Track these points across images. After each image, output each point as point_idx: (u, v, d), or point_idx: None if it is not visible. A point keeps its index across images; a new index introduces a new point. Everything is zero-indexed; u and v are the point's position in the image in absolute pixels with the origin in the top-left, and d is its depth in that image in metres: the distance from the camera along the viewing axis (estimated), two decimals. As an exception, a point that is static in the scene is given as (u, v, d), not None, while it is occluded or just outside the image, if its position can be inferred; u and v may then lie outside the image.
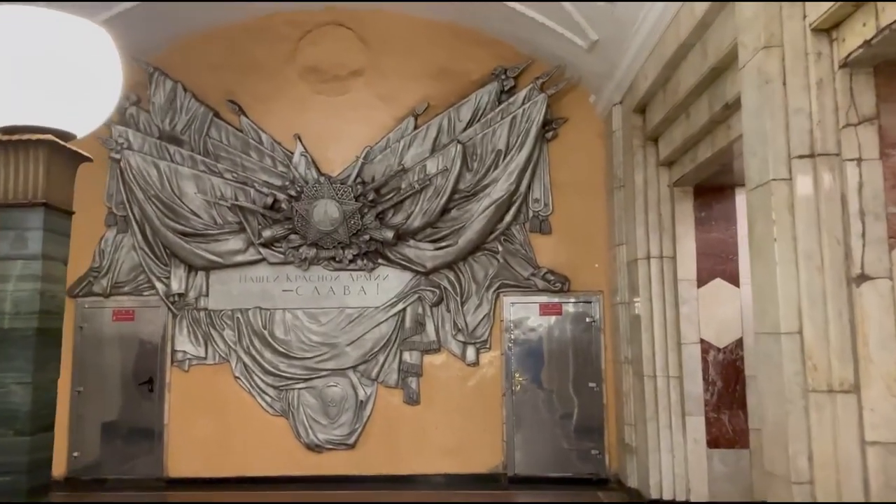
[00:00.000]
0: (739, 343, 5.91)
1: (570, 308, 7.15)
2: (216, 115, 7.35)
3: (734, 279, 5.97)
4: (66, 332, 7.28)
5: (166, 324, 7.22)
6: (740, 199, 6.01)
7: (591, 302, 7.14)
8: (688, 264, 5.96)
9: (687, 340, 5.89)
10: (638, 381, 6.16)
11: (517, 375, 7.08)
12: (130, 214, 7.25)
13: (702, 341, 5.90)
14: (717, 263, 5.98)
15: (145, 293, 7.27)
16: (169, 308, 7.22)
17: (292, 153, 7.29)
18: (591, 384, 7.01)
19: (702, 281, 5.96)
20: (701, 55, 4.65)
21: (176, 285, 7.19)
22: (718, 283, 5.96)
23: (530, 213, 7.25)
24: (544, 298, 7.15)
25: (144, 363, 7.19)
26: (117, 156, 7.09)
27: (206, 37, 7.39)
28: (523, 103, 7.10)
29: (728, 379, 5.88)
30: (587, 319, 7.13)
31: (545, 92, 7.04)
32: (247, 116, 7.38)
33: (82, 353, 7.20)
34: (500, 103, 7.21)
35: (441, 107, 7.31)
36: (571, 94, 7.31)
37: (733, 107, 4.49)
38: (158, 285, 7.21)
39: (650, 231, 6.07)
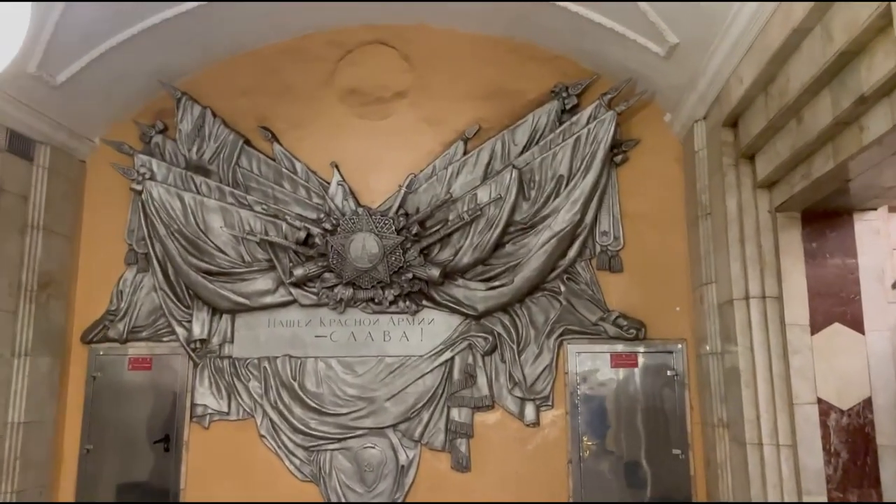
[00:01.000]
0: (868, 404, 4.76)
1: (646, 359, 6.09)
2: (247, 142, 6.70)
3: (857, 324, 4.85)
4: (76, 383, 6.65)
5: (186, 374, 6.45)
6: (860, 226, 4.94)
7: (671, 352, 6.06)
8: (798, 306, 4.87)
9: (800, 400, 4.76)
10: (738, 450, 5.03)
11: (585, 439, 6.00)
12: (151, 251, 6.58)
13: (819, 401, 4.77)
14: (836, 305, 4.88)
15: (165, 339, 6.54)
16: (189, 356, 6.45)
17: (328, 183, 6.55)
18: (676, 451, 5.88)
19: (816, 326, 4.85)
20: (823, 40, 3.70)
21: (198, 330, 6.43)
22: (837, 329, 4.84)
23: (597, 248, 6.28)
24: (616, 347, 6.11)
25: (161, 418, 6.40)
26: (138, 187, 6.46)
27: (237, 59, 6.80)
28: (588, 122, 6.22)
29: (855, 449, 4.71)
30: (668, 373, 6.04)
31: (614, 109, 6.15)
32: (280, 144, 6.71)
33: (94, 406, 6.47)
34: (560, 124, 6.35)
35: (494, 130, 6.50)
36: (643, 112, 6.40)
37: (871, 99, 3.51)
38: (179, 330, 6.47)
39: (748, 266, 5.03)
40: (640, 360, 6.09)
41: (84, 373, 6.51)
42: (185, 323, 6.48)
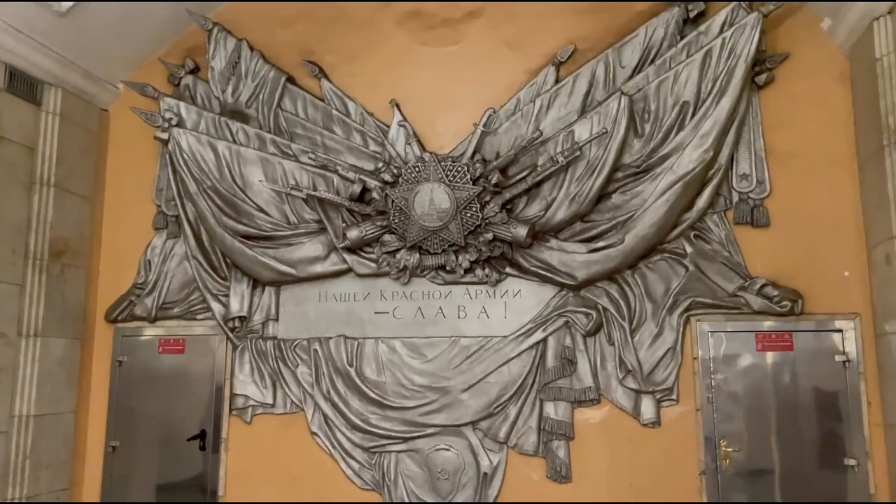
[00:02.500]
0: None
1: (804, 340, 4.62)
2: (290, 80, 5.55)
3: None
4: (99, 369, 5.63)
5: (224, 358, 5.40)
6: None
7: (840, 331, 4.58)
8: None
9: None
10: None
11: (723, 444, 4.61)
12: (182, 213, 5.54)
13: None
14: None
15: (199, 316, 5.50)
16: (228, 336, 5.39)
17: (387, 126, 5.33)
18: (849, 461, 4.42)
19: None
20: None
21: (236, 306, 5.36)
22: None
23: (735, 197, 4.84)
24: (763, 325, 4.67)
25: (195, 410, 5.37)
26: (164, 135, 5.40)
27: (277, -19, 5.64)
28: (722, 30, 4.75)
29: None
30: (836, 358, 4.56)
31: (758, 11, 4.66)
32: (329, 81, 5.53)
33: (120, 396, 5.50)
34: (682, 37, 4.91)
35: (593, 50, 5.12)
36: (790, 20, 4.89)
37: None
38: (215, 306, 5.42)
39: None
40: (797, 341, 4.62)
41: (108, 357, 5.55)
42: (221, 297, 5.42)
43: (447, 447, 4.98)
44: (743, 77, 4.67)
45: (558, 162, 4.81)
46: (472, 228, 4.91)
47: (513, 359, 4.96)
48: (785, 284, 4.66)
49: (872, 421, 4.43)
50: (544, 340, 4.94)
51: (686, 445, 4.67)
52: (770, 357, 4.65)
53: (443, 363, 5.05)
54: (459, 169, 4.92)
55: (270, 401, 5.27)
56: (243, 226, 5.31)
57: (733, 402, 4.65)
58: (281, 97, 5.53)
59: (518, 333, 4.98)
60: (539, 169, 4.88)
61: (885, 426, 4.37)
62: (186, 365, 5.46)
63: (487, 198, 4.93)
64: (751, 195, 4.80)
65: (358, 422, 5.09)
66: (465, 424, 4.96)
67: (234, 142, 5.44)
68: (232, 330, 5.38)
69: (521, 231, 4.84)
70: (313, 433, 5.18)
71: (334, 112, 5.47)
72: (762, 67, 4.83)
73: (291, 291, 5.37)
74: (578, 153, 4.79)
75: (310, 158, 5.31)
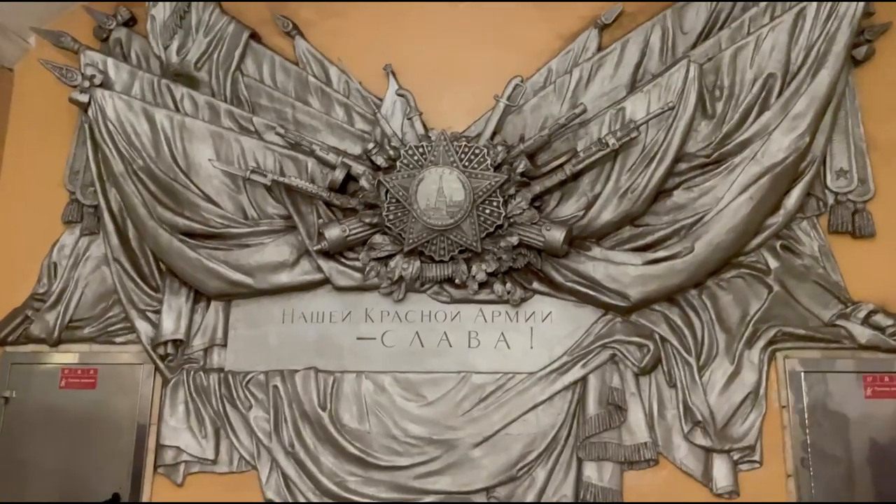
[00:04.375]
0: None
1: (926, 384, 3.56)
2: (254, 37, 4.34)
3: None
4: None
5: (151, 396, 4.03)
6: None
7: (973, 373, 3.53)
8: None
9: None
10: None
11: (825, 522, 3.47)
12: (102, 202, 4.21)
13: None
14: None
15: (119, 339, 4.13)
16: (157, 367, 4.04)
17: (380, 100, 4.14)
18: None
19: None
20: None
21: (171, 326, 4.02)
22: None
23: (829, 199, 3.78)
24: (872, 364, 3.58)
25: (107, 466, 3.98)
26: (83, 97, 4.09)
27: (242, -87, 4.44)
28: (819, -14, 3.75)
29: None
30: (969, 409, 3.50)
31: (866, -35, 3.68)
32: (305, 40, 4.34)
33: (6, 444, 4.07)
34: (761, -3, 3.90)
35: (645, 13, 4.06)
36: (889, -16, 3.93)
37: None
38: (142, 325, 4.07)
39: None
40: (916, 385, 3.55)
41: (-10, 391, 4.13)
42: (150, 314, 4.08)
43: (452, 522, 3.70)
44: (846, 45, 3.66)
45: (609, 146, 3.68)
46: (492, 229, 3.73)
47: (541, 403, 3.73)
48: (895, 311, 3.60)
49: None
50: (584, 380, 3.74)
51: (775, 524, 3.51)
52: (882, 407, 3.55)
53: (448, 408, 3.79)
54: (478, 151, 3.75)
55: (211, 455, 3.91)
56: (185, 219, 4.01)
57: (836, 467, 3.51)
58: (241, 58, 4.31)
59: (549, 370, 3.76)
60: (582, 155, 3.74)
61: None
62: (99, 404, 4.07)
63: (512, 190, 3.77)
64: (850, 197, 3.75)
65: (331, 486, 3.76)
66: (477, 491, 3.68)
67: (178, 111, 4.17)
68: (163, 358, 4.03)
69: (558, 235, 3.67)
70: (268, 500, 3.84)
71: (311, 79, 4.26)
72: (859, 39, 3.83)
73: (246, 308, 4.06)
74: (636, 134, 3.67)
75: (278, 134, 4.06)
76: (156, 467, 3.94)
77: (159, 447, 3.94)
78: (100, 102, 4.07)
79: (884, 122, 3.80)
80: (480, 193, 3.70)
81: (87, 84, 4.09)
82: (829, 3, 3.66)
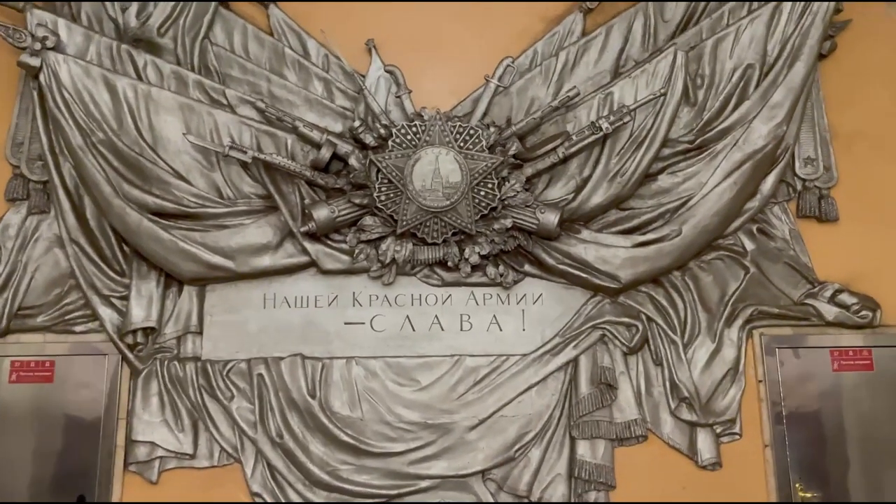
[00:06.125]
0: None
1: (885, 358, 3.86)
2: (224, 4, 4.05)
3: None
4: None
5: (118, 389, 3.73)
6: None
7: (926, 346, 3.88)
8: None
9: None
10: None
11: (799, 488, 3.72)
12: (56, 179, 3.81)
13: None
14: None
15: (78, 328, 3.78)
16: (125, 357, 3.73)
17: (363, 75, 3.98)
18: (947, 505, 3.70)
19: None
20: None
21: (140, 313, 3.72)
22: None
23: (798, 185, 4.02)
24: (840, 340, 3.86)
25: (71, 467, 3.65)
26: (34, 60, 3.68)
27: None
28: (794, -18, 3.94)
29: None
30: (924, 379, 3.86)
31: (838, -39, 3.91)
32: (280, 9, 4.10)
33: (-54, 446, 3.65)
34: (738, -11, 4.05)
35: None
36: (847, -15, 4.20)
37: None
38: (105, 312, 3.74)
39: None
40: (877, 359, 3.86)
41: (-74, 389, 3.67)
42: (115, 300, 3.76)
43: (448, 506, 3.68)
44: (819, 39, 3.89)
45: (602, 129, 3.73)
46: (486, 212, 3.70)
47: (535, 385, 3.77)
48: (858, 291, 3.89)
49: (962, 453, 3.75)
50: (575, 360, 3.80)
51: (755, 491, 3.73)
52: (848, 380, 3.84)
53: (442, 392, 3.75)
54: (473, 132, 3.70)
55: (189, 450, 3.67)
56: (155, 198, 3.72)
57: (808, 436, 3.78)
58: (210, 25, 4.02)
59: (542, 351, 3.80)
60: (575, 138, 3.77)
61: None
62: (57, 400, 3.73)
63: (505, 172, 3.75)
64: (816, 183, 4.01)
65: (322, 475, 3.63)
66: (473, 474, 3.68)
67: (141, 80, 3.83)
68: (132, 348, 3.73)
69: (552, 217, 3.70)
70: (254, 494, 3.66)
71: (287, 51, 4.04)
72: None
73: (222, 293, 3.83)
74: (629, 119, 3.74)
75: (258, 109, 3.82)
76: (126, 465, 3.65)
77: (130, 443, 3.66)
78: (53, 67, 3.67)
79: (844, 112, 4.07)
80: (476, 175, 3.66)
81: (38, 46, 3.67)
82: (803, 3, 3.87)
